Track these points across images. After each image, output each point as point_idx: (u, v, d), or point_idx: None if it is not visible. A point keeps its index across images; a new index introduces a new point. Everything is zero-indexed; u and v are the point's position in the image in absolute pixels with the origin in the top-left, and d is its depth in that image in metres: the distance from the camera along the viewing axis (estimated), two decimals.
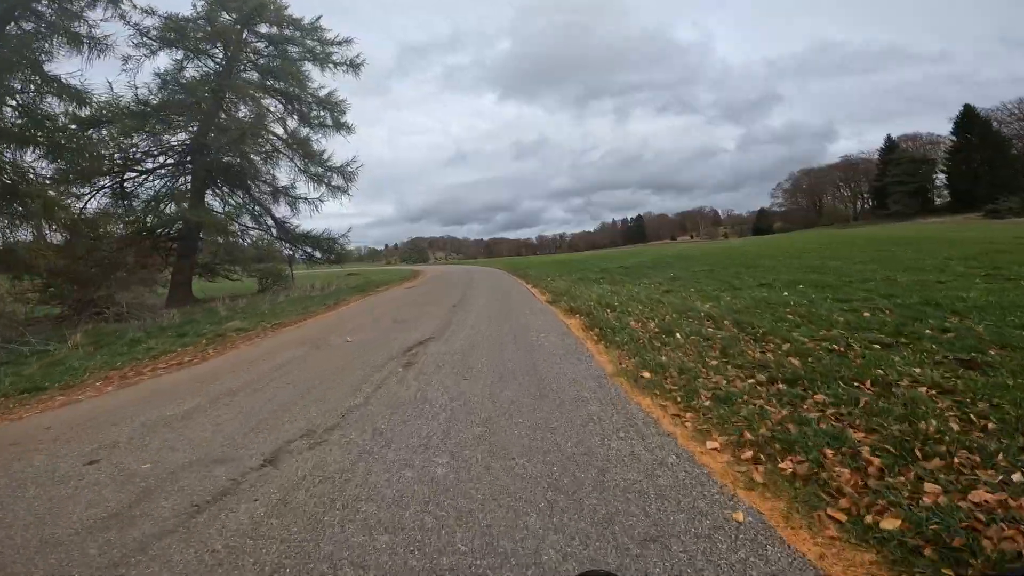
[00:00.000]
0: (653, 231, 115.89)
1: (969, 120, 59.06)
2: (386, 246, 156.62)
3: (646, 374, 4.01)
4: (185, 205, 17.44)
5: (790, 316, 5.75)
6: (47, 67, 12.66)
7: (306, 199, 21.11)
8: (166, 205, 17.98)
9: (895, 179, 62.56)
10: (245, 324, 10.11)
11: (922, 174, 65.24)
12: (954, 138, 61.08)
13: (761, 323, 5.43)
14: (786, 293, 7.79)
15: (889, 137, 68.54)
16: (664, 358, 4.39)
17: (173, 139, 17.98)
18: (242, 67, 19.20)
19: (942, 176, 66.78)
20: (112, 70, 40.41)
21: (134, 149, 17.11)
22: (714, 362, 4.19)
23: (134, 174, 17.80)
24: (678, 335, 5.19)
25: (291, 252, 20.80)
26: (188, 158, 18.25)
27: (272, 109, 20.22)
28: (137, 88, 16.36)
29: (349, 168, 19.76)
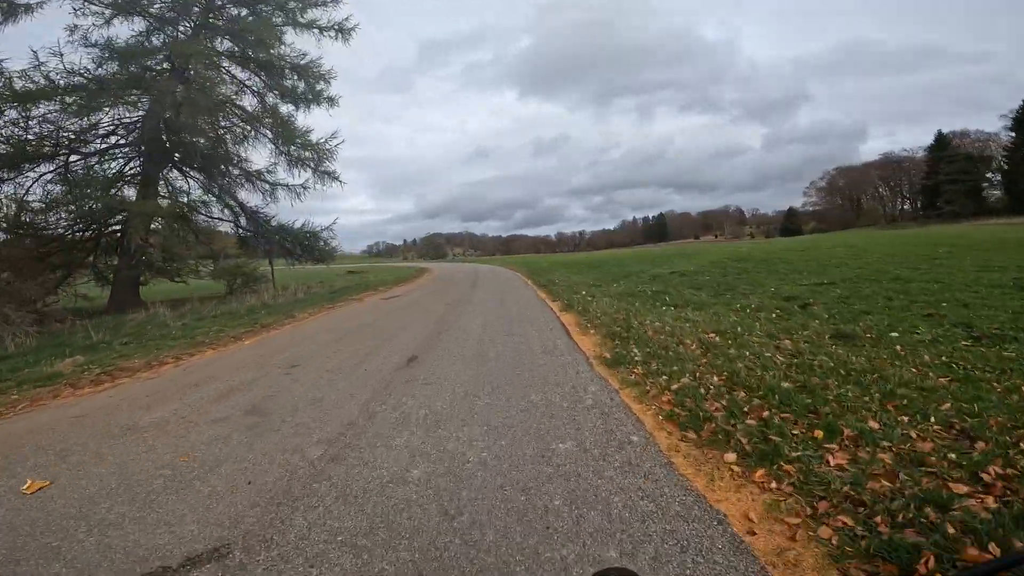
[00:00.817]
0: (675, 230, 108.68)
1: None
2: (404, 242, 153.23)
3: None
4: (114, 191, 13.24)
5: None
6: None
7: (286, 186, 16.73)
8: (111, 192, 13.75)
9: (949, 177, 54.85)
10: (27, 378, 5.55)
11: (977, 172, 57.41)
12: (1012, 134, 53.15)
13: None
14: None
15: (940, 133, 60.54)
16: None
17: (124, 117, 13.90)
18: (214, 35, 14.81)
19: (991, 175, 59.12)
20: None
21: (70, 129, 13.09)
22: None
23: (78, 157, 13.81)
24: None
25: (267, 248, 16.35)
26: (139, 137, 14.10)
27: (249, 83, 15.82)
28: (63, 55, 12.16)
29: (327, 145, 15.14)
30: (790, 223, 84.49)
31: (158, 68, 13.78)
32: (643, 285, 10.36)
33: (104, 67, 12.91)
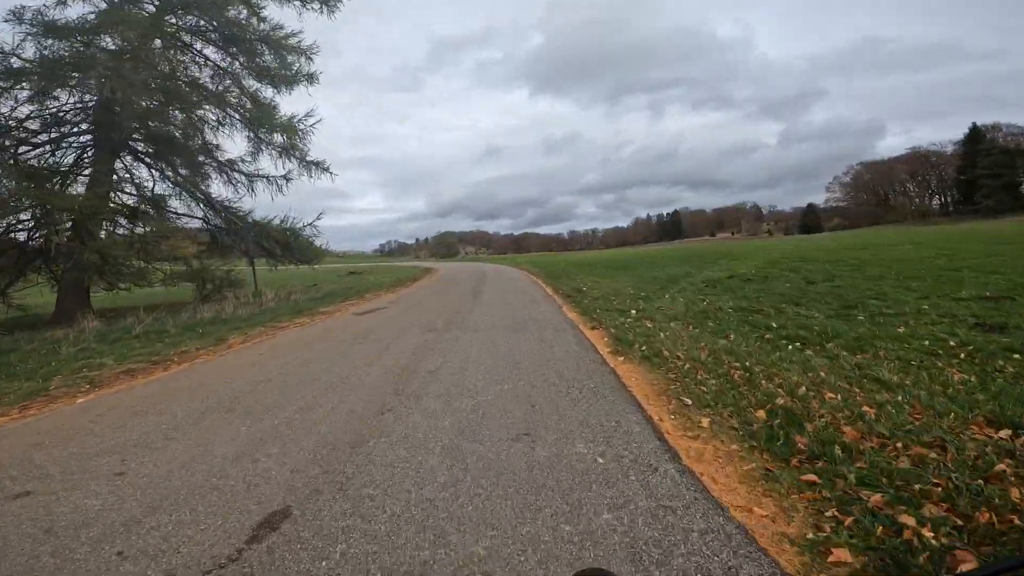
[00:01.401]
0: (689, 227, 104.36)
1: None
2: (416, 240, 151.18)
3: None
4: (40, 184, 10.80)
5: None
6: None
7: (266, 177, 14.17)
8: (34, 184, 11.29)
9: (986, 172, 50.32)
10: None
11: (1015, 167, 52.72)
12: None
13: None
14: None
15: (974, 126, 55.80)
16: None
17: (84, 102, 11.54)
18: (179, 9, 12.26)
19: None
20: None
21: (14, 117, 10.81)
22: None
23: (28, 148, 11.52)
24: None
25: (243, 248, 13.79)
26: (88, 123, 11.75)
27: (222, 64, 13.26)
28: None
29: (301, 125, 12.49)
30: (809, 220, 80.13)
31: (98, 46, 11.25)
32: (705, 295, 7.42)
33: (47, 48, 10.52)
